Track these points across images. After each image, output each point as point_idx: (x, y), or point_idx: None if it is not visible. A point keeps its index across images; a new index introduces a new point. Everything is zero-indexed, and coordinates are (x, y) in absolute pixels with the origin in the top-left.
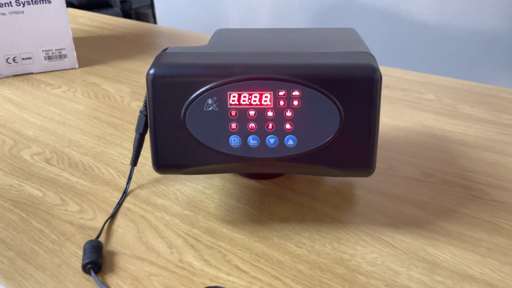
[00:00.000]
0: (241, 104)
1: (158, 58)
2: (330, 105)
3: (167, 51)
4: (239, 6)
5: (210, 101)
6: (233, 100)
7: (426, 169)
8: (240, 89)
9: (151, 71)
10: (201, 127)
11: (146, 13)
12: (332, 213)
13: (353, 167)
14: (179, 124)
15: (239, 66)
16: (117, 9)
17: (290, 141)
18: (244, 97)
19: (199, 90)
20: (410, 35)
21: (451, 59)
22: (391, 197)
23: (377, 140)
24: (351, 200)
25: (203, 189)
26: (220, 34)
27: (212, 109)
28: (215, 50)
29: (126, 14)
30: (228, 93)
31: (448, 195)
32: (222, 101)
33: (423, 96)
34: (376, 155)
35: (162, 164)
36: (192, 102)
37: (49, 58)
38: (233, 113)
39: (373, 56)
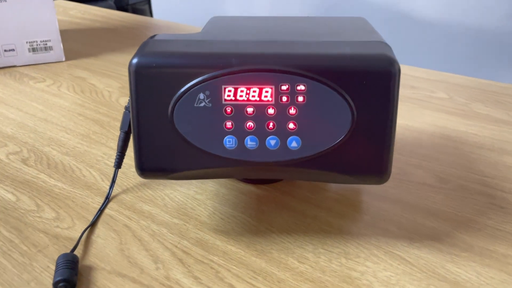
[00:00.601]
0: (238, 100)
1: (143, 46)
2: (340, 101)
3: (155, 38)
4: (237, 1)
5: (202, 95)
6: (228, 95)
7: (441, 174)
8: (236, 82)
9: (134, 60)
10: (191, 125)
11: (143, 9)
12: (338, 224)
13: (365, 173)
14: (166, 122)
15: (236, 55)
16: (111, 1)
17: (293, 143)
18: (241, 91)
19: (189, 83)
20: (413, 33)
21: (455, 57)
22: (404, 205)
23: (393, 142)
24: (359, 208)
25: (194, 195)
26: (215, 22)
27: (204, 105)
28: (209, 38)
29: (123, 10)
30: (223, 86)
31: (467, 203)
32: (215, 96)
33: (435, 95)
34: (392, 159)
35: (147, 168)
36: (181, 97)
37: (34, 50)
38: (229, 110)
39: (389, 46)
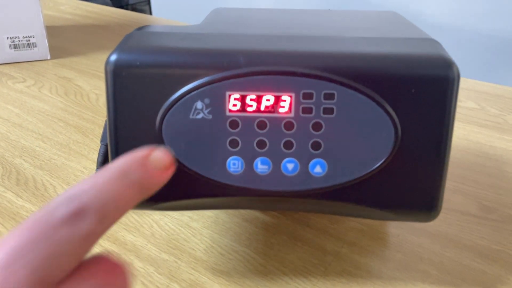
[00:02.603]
0: (246, 111)
1: (126, 39)
2: (381, 115)
3: (142, 29)
4: (240, 5)
5: (199, 104)
6: (234, 105)
7: (484, 200)
8: (245, 88)
9: (112, 57)
10: (184, 143)
11: (143, 9)
12: (365, 263)
13: (409, 208)
14: (153, 138)
15: (244, 53)
16: None
17: (317, 168)
18: (251, 100)
19: (183, 87)
20: None
21: (467, 63)
22: (444, 240)
23: (447, 169)
24: (389, 243)
25: (189, 222)
26: (218, 13)
27: (203, 116)
28: (210, 31)
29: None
30: (227, 93)
31: None
32: (217, 106)
33: (463, 104)
34: (443, 191)
35: None
36: (172, 106)
37: (15, 47)
38: (234, 123)
39: (440, 44)
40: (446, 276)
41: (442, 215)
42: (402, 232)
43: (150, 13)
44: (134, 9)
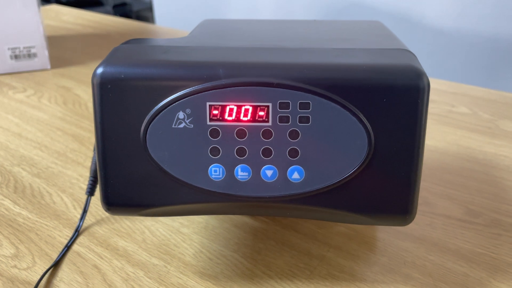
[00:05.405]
0: (226, 120)
1: (112, 53)
2: (354, 123)
3: (128, 43)
4: (242, 13)
5: (181, 114)
6: (214, 115)
7: (470, 204)
8: (224, 99)
9: (99, 70)
10: (168, 151)
11: (147, 16)
12: (350, 267)
13: (384, 212)
14: (137, 147)
15: (224, 65)
16: (109, 7)
17: (295, 174)
18: (231, 110)
19: (166, 98)
20: (425, 41)
21: (469, 66)
22: (429, 244)
23: (420, 175)
24: (375, 248)
25: (179, 227)
26: (206, 25)
27: (185, 126)
28: (193, 44)
29: (127, 17)
30: (208, 104)
31: (504, 242)
32: (198, 115)
33: (456, 110)
34: (417, 196)
35: (114, 202)
36: (155, 116)
37: (16, 57)
38: (215, 132)
39: (414, 55)
40: (428, 279)
41: (428, 219)
42: (388, 236)
43: (153, 19)
44: (138, 16)
